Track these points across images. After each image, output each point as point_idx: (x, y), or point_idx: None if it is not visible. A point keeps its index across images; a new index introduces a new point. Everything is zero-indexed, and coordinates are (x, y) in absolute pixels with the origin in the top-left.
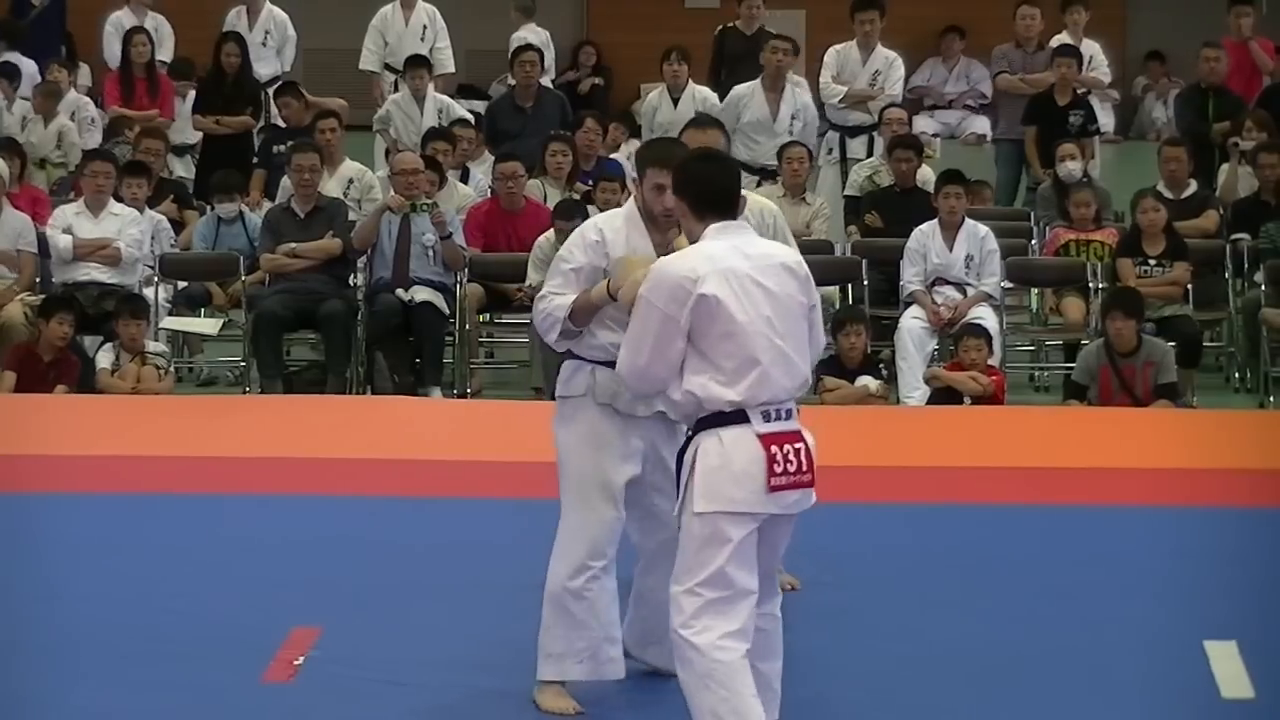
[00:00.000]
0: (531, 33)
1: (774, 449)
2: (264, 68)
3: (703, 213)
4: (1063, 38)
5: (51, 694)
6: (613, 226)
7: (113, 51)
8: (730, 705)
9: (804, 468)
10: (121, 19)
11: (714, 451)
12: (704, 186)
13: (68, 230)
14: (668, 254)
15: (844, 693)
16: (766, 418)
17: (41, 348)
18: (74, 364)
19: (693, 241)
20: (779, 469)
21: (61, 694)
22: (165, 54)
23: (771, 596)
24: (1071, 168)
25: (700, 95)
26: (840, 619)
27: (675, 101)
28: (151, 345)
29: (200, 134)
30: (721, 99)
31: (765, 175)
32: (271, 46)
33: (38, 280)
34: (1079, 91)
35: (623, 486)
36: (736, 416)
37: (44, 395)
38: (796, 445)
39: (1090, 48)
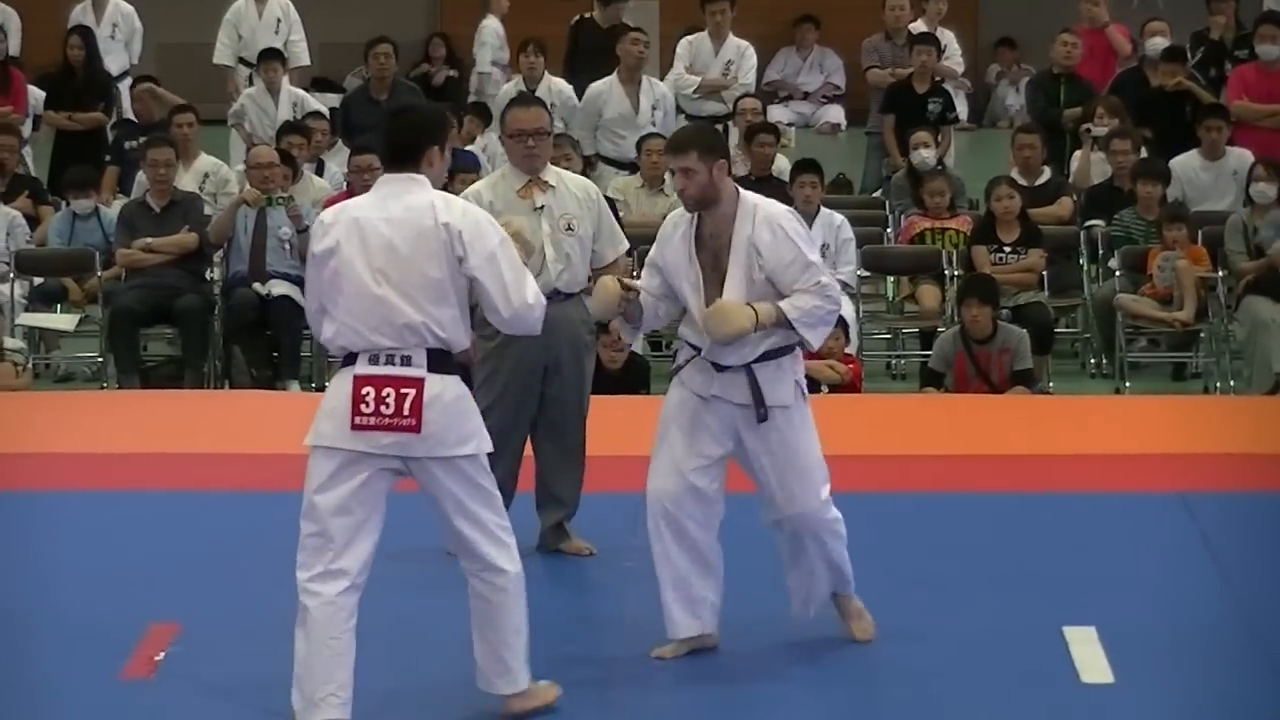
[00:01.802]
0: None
1: (365, 389)
2: (113, 62)
3: (385, 164)
4: (919, 25)
5: None
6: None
7: None
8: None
9: (402, 411)
10: None
11: (328, 391)
12: (384, 140)
13: None
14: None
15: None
16: (374, 361)
17: None
18: None
19: None
20: (366, 408)
21: None
22: (14, 47)
23: (481, 560)
24: (925, 155)
25: (556, 87)
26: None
27: (532, 93)
28: (9, 341)
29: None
30: (577, 91)
31: (631, 169)
32: (120, 40)
33: None
34: (936, 80)
35: None
36: (348, 359)
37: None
38: (403, 390)
39: (945, 36)
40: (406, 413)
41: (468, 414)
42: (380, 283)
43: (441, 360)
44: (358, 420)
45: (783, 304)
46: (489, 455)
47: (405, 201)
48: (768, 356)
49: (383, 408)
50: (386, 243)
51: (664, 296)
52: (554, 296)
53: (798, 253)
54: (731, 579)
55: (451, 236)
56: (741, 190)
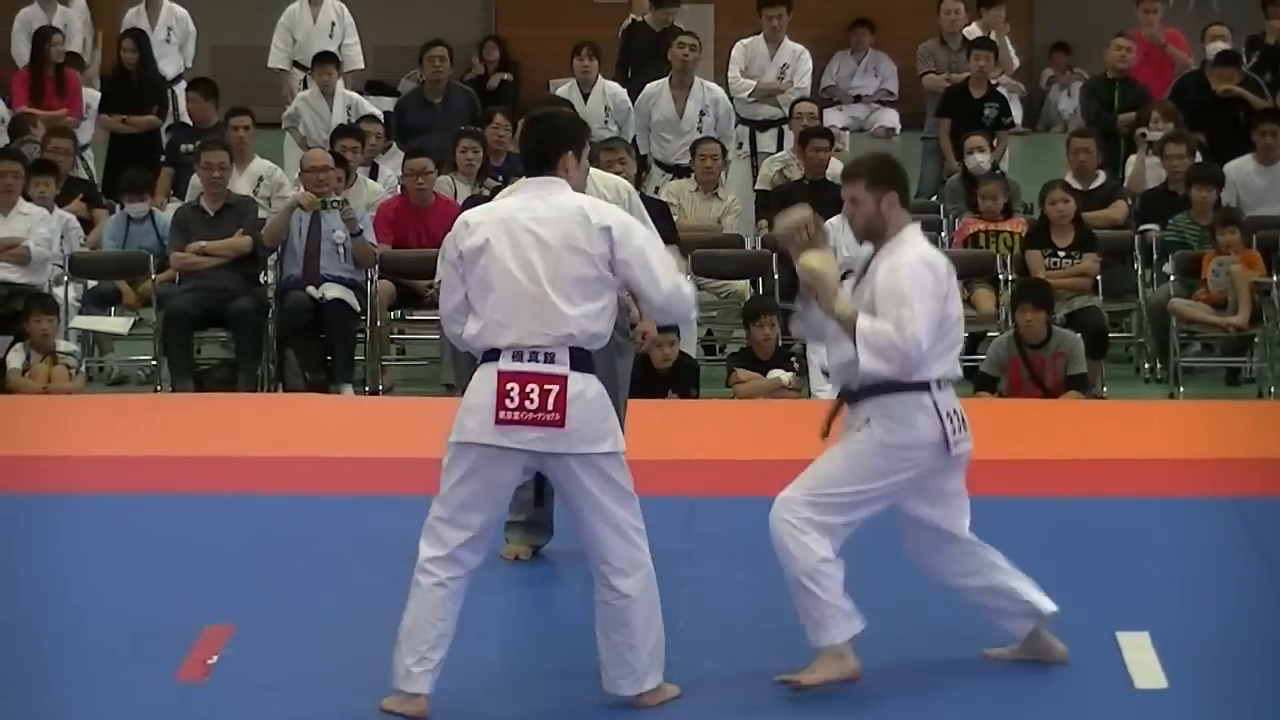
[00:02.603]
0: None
1: (510, 385)
2: (168, 65)
3: (525, 170)
4: (974, 30)
5: None
6: None
7: (19, 50)
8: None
9: (547, 406)
10: (29, 17)
11: (470, 387)
12: (523, 146)
13: None
14: None
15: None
16: (518, 358)
17: None
18: None
19: None
20: (511, 403)
21: None
22: (75, 46)
23: (612, 561)
24: (980, 159)
25: (610, 90)
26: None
27: (585, 97)
28: (62, 345)
29: (97, 132)
30: (631, 94)
31: (678, 172)
32: (174, 43)
33: None
34: (993, 84)
35: None
36: (490, 355)
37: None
38: (547, 386)
39: (1000, 40)
40: (551, 408)
41: (607, 412)
42: (535, 280)
43: (583, 359)
44: (502, 415)
45: (863, 315)
46: None
47: (551, 201)
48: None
49: (527, 403)
50: (537, 240)
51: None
52: None
53: (901, 292)
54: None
55: (602, 234)
56: (911, 229)
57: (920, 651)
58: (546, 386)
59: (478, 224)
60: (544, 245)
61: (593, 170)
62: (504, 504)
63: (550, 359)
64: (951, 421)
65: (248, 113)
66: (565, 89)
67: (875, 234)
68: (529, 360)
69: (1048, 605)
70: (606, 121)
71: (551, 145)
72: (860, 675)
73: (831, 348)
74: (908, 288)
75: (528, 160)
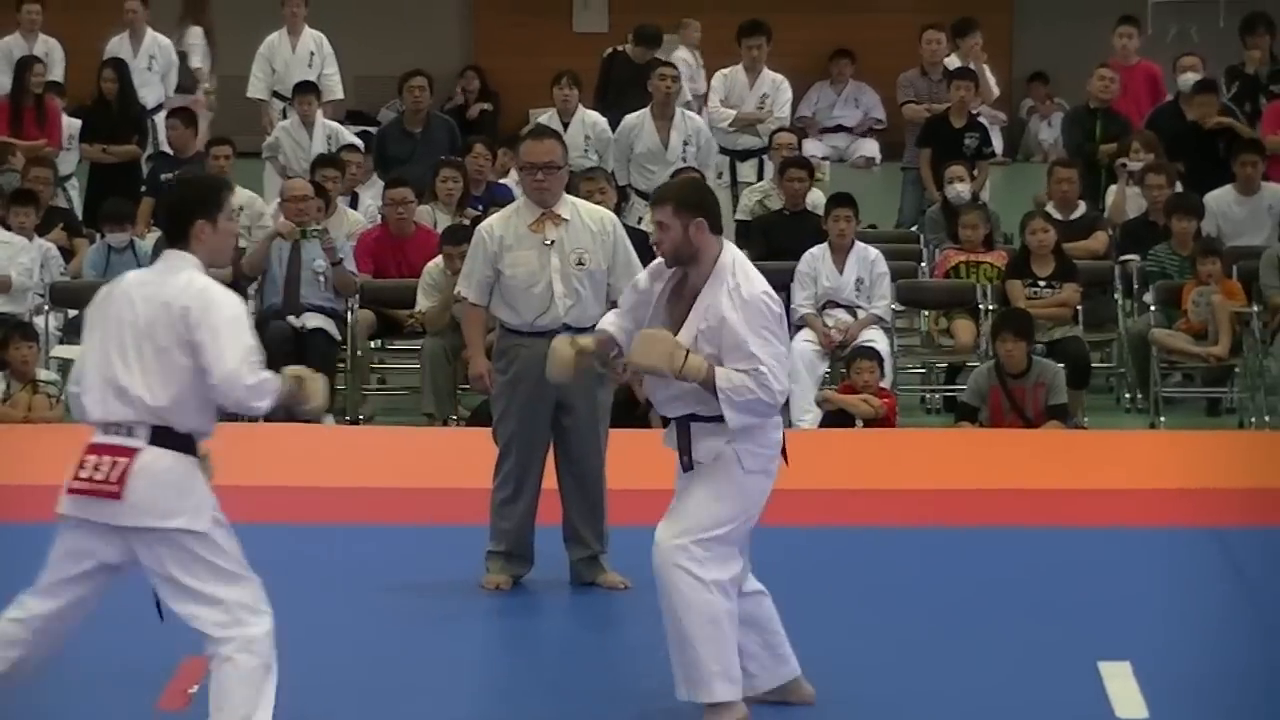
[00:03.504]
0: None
1: (87, 456)
2: (149, 94)
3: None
4: (954, 60)
5: None
6: None
7: (0, 80)
8: None
9: (107, 478)
10: (10, 46)
11: None
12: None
13: None
14: None
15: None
16: (105, 431)
17: None
18: None
19: None
20: (83, 474)
21: None
22: (56, 76)
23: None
24: (960, 189)
25: (590, 120)
26: None
27: (565, 126)
28: (42, 374)
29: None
30: (611, 124)
31: None
32: (156, 72)
33: None
34: (973, 114)
35: None
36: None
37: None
38: (115, 459)
39: (980, 70)
40: (109, 479)
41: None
42: (120, 361)
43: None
44: (70, 485)
45: (719, 369)
46: (510, 491)
47: (162, 279)
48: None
49: (95, 474)
50: (133, 322)
51: (635, 328)
52: (562, 332)
53: (745, 340)
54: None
55: (175, 317)
56: (730, 256)
57: (914, 681)
58: (117, 459)
59: (99, 297)
60: (135, 326)
61: (579, 203)
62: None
63: (129, 433)
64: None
65: (228, 142)
66: (545, 118)
67: (684, 259)
68: (114, 434)
69: None
70: (587, 150)
71: (183, 213)
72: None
73: (666, 390)
74: (754, 340)
75: (165, 228)
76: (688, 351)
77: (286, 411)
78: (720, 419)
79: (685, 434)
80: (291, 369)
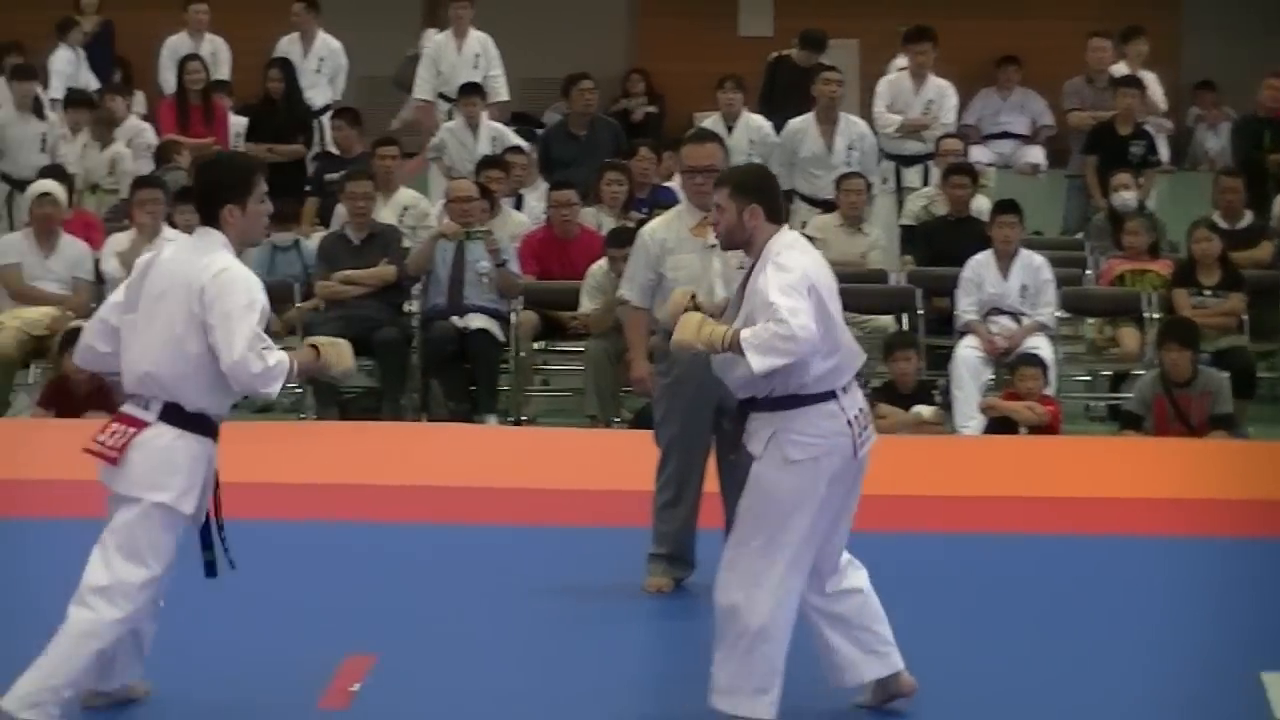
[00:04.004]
0: None
1: (111, 423)
2: (317, 95)
3: None
4: (1120, 68)
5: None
6: None
7: (167, 78)
8: None
9: (114, 445)
10: (177, 45)
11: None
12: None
13: (120, 257)
14: None
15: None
16: (131, 401)
17: (73, 381)
18: (108, 392)
19: None
20: (100, 438)
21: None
22: (223, 75)
23: None
24: (1126, 197)
25: (754, 124)
26: None
27: (730, 129)
28: None
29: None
30: (776, 128)
31: (826, 207)
32: (324, 74)
33: (93, 307)
34: (1139, 122)
35: None
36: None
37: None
38: (126, 429)
39: (1147, 78)
40: (108, 445)
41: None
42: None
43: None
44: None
45: (744, 329)
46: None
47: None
48: (765, 406)
49: (105, 442)
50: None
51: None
52: None
53: (767, 294)
54: None
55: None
56: (781, 241)
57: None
58: (115, 427)
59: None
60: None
61: None
62: None
63: (144, 405)
64: (857, 423)
65: (394, 143)
66: (710, 121)
67: (738, 243)
68: (134, 406)
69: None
70: (750, 155)
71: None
72: None
73: (729, 371)
74: (774, 292)
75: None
76: (713, 327)
77: (450, 412)
78: (773, 405)
79: (743, 419)
80: (311, 337)
